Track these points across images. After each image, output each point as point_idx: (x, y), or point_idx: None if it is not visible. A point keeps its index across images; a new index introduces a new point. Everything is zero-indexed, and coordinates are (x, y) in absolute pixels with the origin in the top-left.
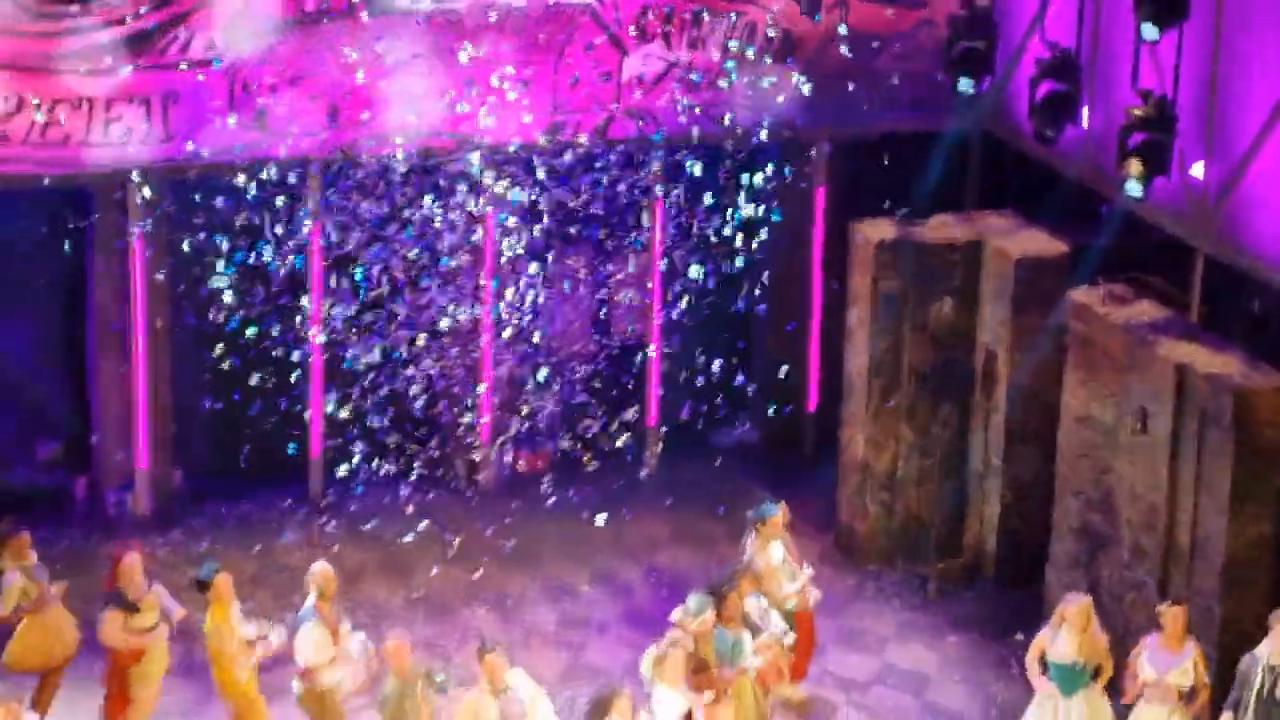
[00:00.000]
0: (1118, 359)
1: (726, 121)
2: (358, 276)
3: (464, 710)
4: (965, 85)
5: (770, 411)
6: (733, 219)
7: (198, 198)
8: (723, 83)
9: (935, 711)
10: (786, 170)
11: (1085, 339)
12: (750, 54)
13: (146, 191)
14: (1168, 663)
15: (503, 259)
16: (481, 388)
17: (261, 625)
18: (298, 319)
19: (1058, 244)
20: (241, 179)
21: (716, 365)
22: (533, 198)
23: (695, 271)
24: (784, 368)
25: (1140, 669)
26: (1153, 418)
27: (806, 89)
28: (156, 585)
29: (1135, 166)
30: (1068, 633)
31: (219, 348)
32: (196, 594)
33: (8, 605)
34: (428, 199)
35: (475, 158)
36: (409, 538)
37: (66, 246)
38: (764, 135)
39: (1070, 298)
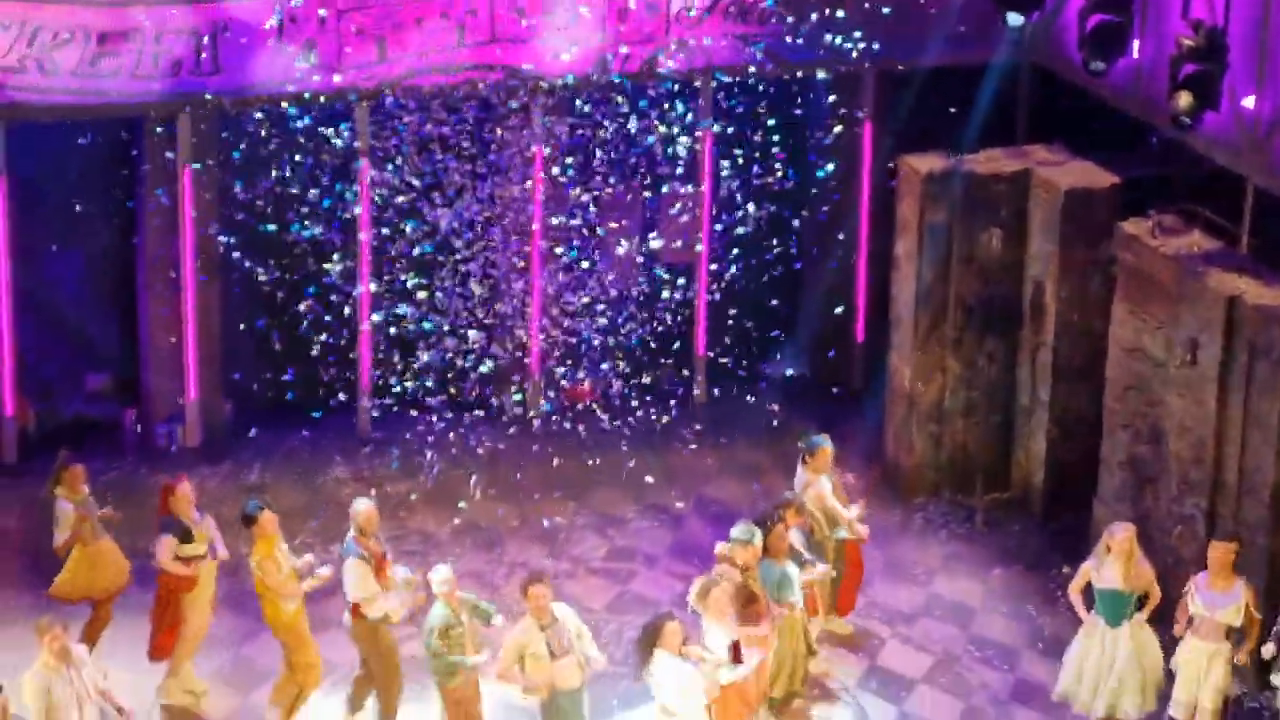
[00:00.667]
0: (1167, 290)
1: (775, 55)
2: (407, 210)
3: (511, 642)
4: (1014, 18)
5: (818, 344)
6: (781, 152)
7: (248, 131)
8: (771, 16)
9: (981, 643)
10: (835, 104)
11: (1134, 271)
12: None
13: (196, 124)
14: (1217, 600)
15: (552, 192)
16: (530, 320)
17: (308, 559)
18: (347, 253)
19: (1107, 176)
20: (291, 112)
21: (765, 297)
22: (581, 131)
23: (743, 205)
24: (832, 300)
25: (1190, 603)
26: (1202, 350)
27: (855, 22)
28: (207, 517)
29: (1185, 98)
30: (1114, 561)
31: (268, 280)
32: (244, 529)
33: (61, 535)
34: (477, 132)
35: (524, 91)
36: (457, 469)
37: (116, 180)
38: (812, 69)
39: (1120, 229)
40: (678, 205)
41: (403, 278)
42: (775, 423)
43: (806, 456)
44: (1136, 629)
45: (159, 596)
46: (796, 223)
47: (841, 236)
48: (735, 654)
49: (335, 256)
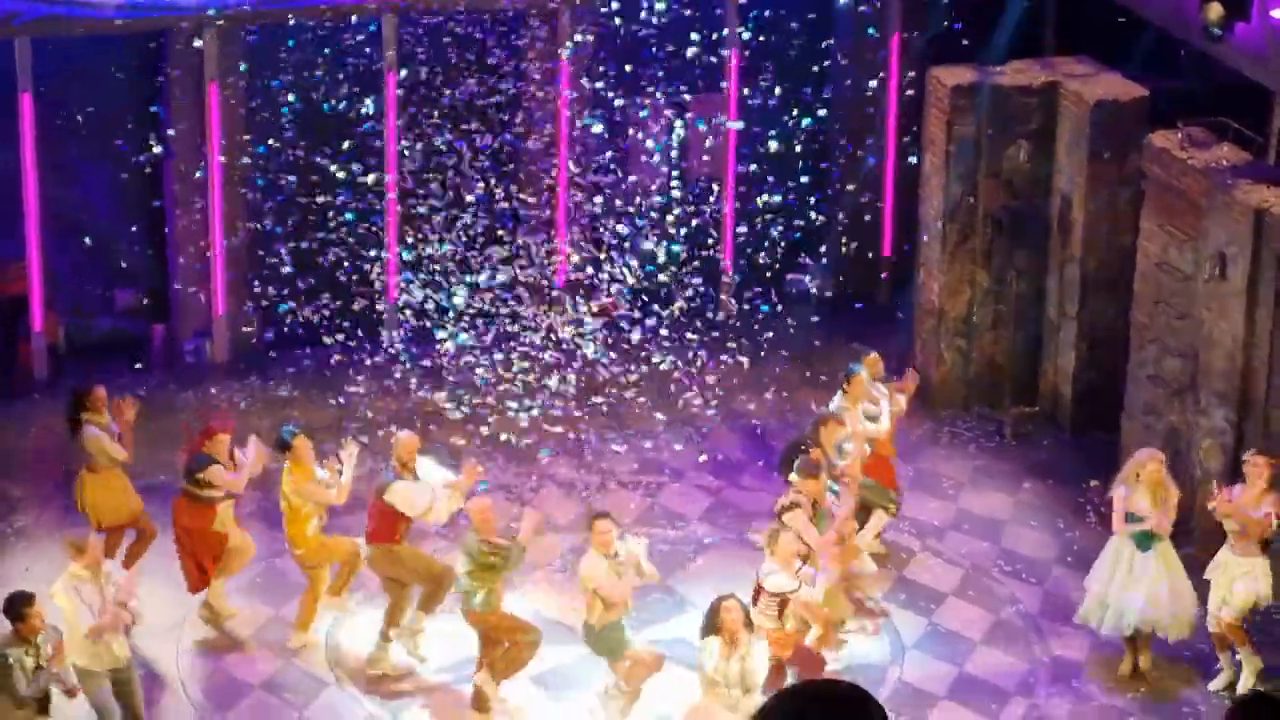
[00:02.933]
0: (1196, 204)
1: None
2: (434, 125)
3: (581, 578)
4: None
5: (845, 259)
6: (810, 64)
7: (275, 45)
8: None
9: (1010, 557)
10: (863, 16)
11: (1163, 184)
12: None
13: (224, 38)
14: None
15: (576, 103)
16: (557, 235)
17: (333, 474)
18: (374, 167)
19: (1135, 88)
20: (319, 26)
21: (793, 211)
22: (606, 39)
23: (771, 116)
24: (860, 215)
25: (1226, 522)
26: (1230, 263)
27: None
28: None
29: (1215, 10)
30: (1143, 490)
31: (296, 195)
32: (278, 453)
33: (100, 453)
34: (501, 43)
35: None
36: (485, 383)
37: (144, 95)
38: None
39: (1148, 142)
40: (704, 120)
41: (428, 192)
42: (803, 336)
43: (845, 385)
44: (1164, 550)
45: (191, 531)
46: (824, 137)
47: (869, 151)
48: (781, 608)
49: (362, 172)
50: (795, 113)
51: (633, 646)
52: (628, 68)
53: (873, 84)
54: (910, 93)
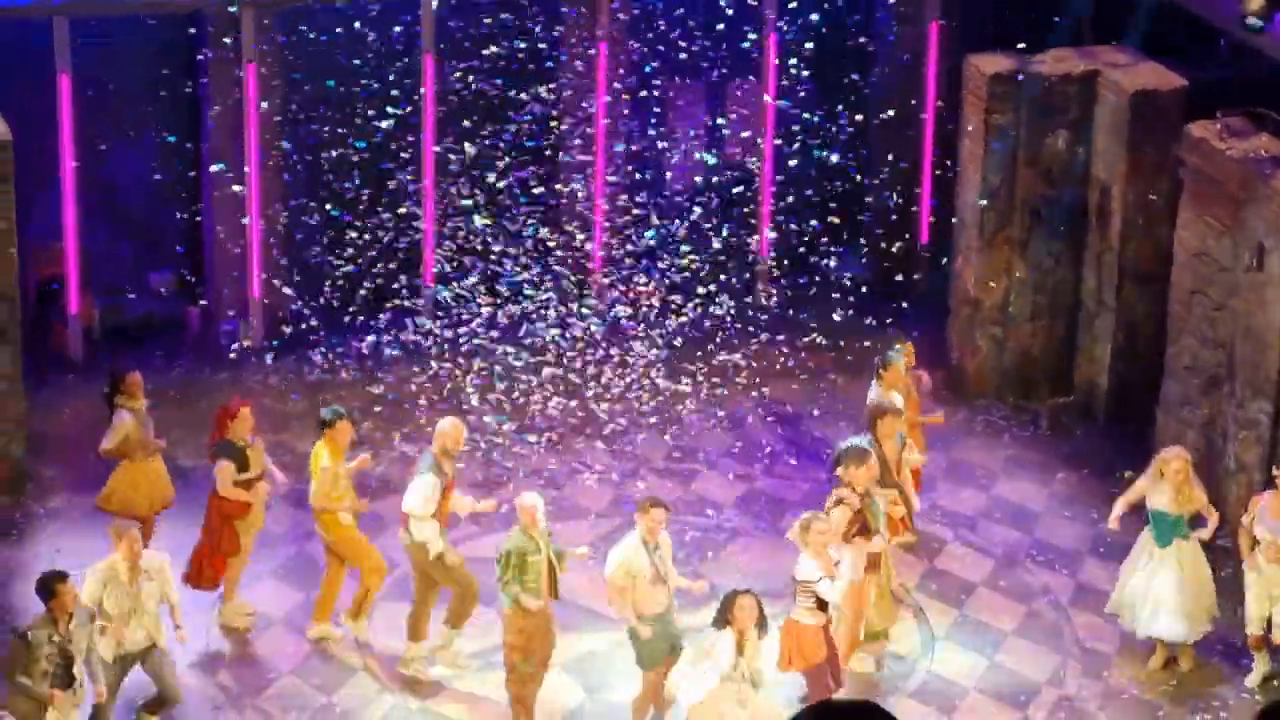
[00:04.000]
0: (1234, 194)
1: None
2: (471, 109)
3: (618, 563)
4: None
5: (882, 246)
6: (846, 51)
7: (311, 29)
8: None
9: (1042, 547)
10: (902, 2)
11: (1201, 173)
12: None
13: (260, 18)
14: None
15: (613, 92)
16: (594, 219)
17: (363, 458)
18: (411, 151)
19: (1174, 77)
20: (354, 11)
21: (830, 198)
22: (643, 28)
23: (808, 104)
24: (896, 202)
25: (1256, 528)
26: (1269, 253)
27: None
28: (258, 441)
29: (1256, 0)
30: (1166, 486)
31: (333, 176)
32: (318, 431)
33: (113, 440)
34: (538, 30)
35: None
36: (518, 368)
37: (180, 76)
38: None
39: (1187, 132)
40: (741, 101)
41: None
42: (838, 323)
43: (880, 371)
44: (1186, 550)
45: (211, 524)
46: (862, 122)
47: (908, 135)
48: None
49: (401, 152)
50: (833, 100)
51: (657, 664)
52: (660, 54)
53: (912, 71)
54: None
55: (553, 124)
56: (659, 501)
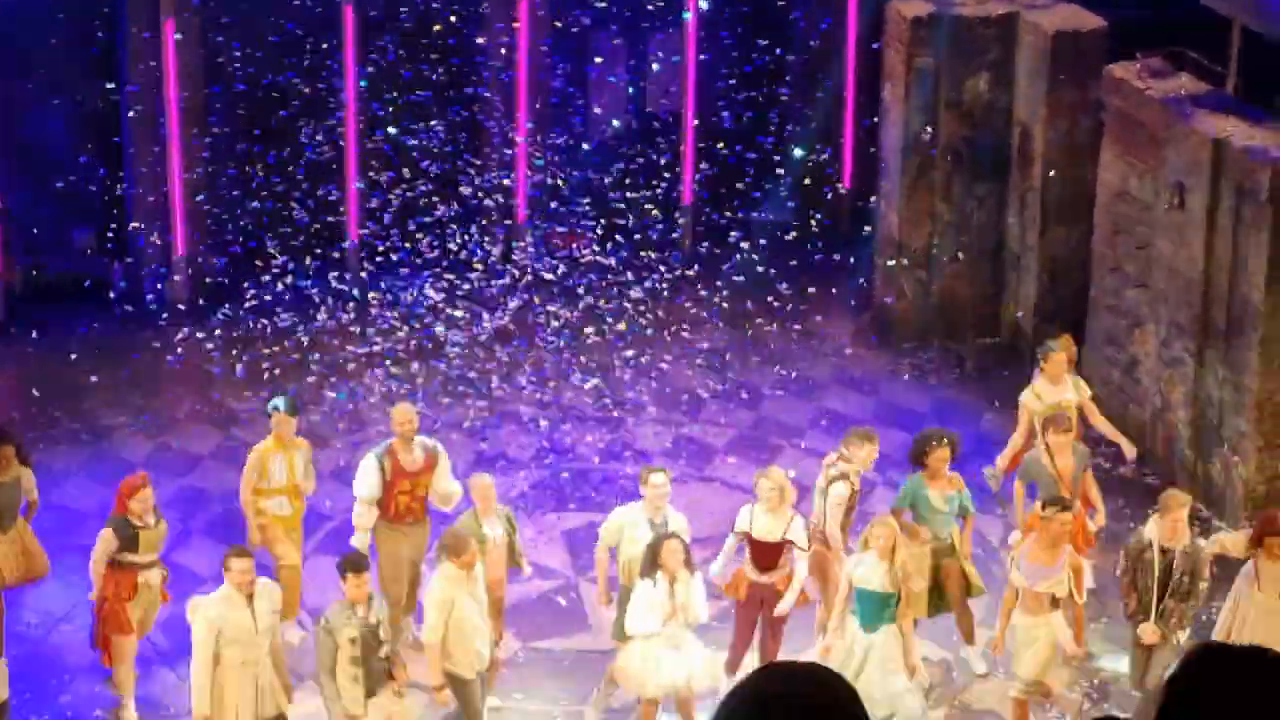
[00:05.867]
0: (1155, 134)
1: None
2: (393, 56)
3: (611, 525)
4: None
5: (805, 191)
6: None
7: None
8: None
9: (973, 488)
10: None
11: (1122, 114)
12: None
13: None
14: (1039, 573)
15: (536, 39)
16: (516, 167)
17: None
18: (333, 100)
19: (1094, 18)
20: None
21: (752, 143)
22: None
23: (731, 50)
24: (819, 147)
25: (1012, 573)
26: (1189, 193)
27: None
28: (162, 522)
29: None
30: (876, 559)
31: (256, 129)
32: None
33: None
34: None
35: None
36: (441, 319)
37: (99, 33)
38: None
39: (1107, 72)
40: (665, 46)
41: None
42: (763, 269)
43: (1042, 363)
44: (892, 633)
45: (103, 591)
46: (783, 64)
47: (829, 82)
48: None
49: (324, 102)
50: (754, 46)
51: (631, 645)
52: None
53: (832, 16)
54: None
55: (476, 76)
56: (660, 468)
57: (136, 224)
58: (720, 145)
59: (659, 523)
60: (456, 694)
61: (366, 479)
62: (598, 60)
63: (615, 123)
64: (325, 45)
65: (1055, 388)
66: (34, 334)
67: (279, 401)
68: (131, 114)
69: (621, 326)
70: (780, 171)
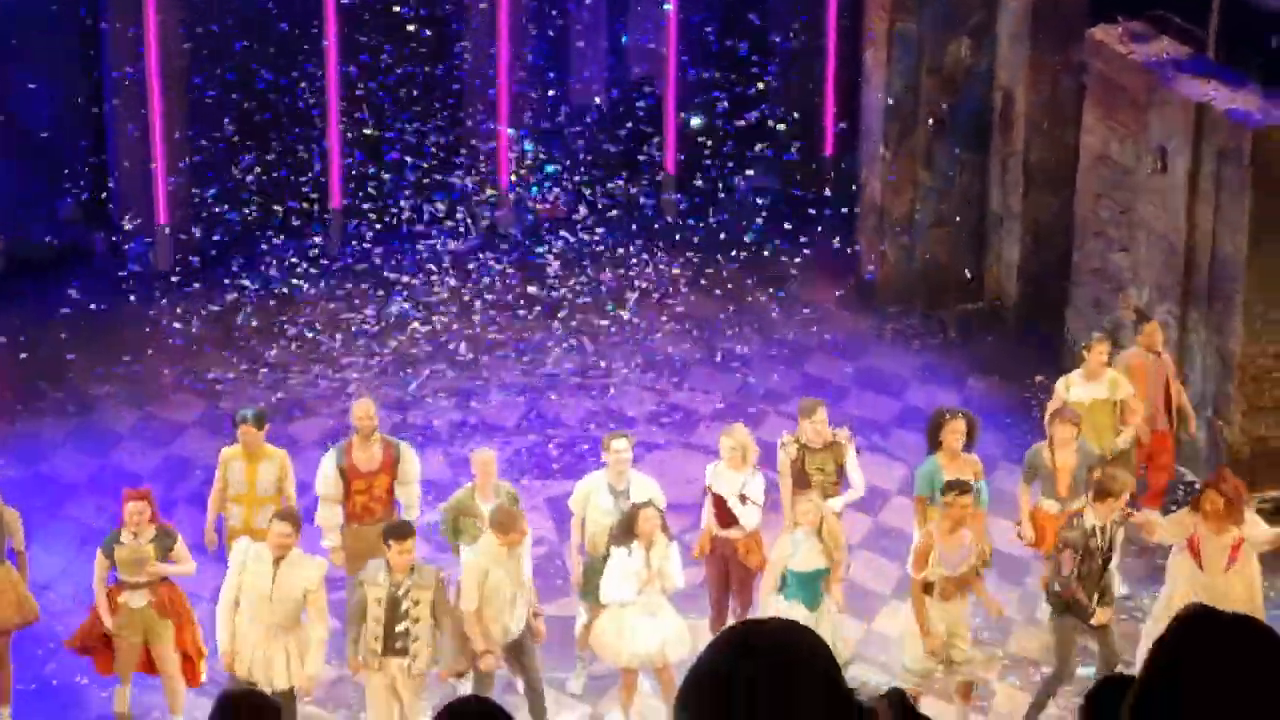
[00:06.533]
0: (1137, 97)
1: None
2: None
3: (577, 496)
4: None
5: (787, 157)
6: None
7: None
8: None
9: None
10: None
11: (1104, 78)
12: None
13: None
14: (951, 558)
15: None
16: (498, 134)
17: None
18: (316, 69)
19: None
20: None
21: (735, 110)
22: None
23: (712, 16)
24: (801, 112)
25: (932, 564)
26: (1171, 156)
27: None
28: (148, 542)
29: None
30: (806, 537)
31: (237, 99)
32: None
33: None
34: None
35: None
36: (428, 287)
37: (81, 3)
38: None
39: (1089, 36)
40: (645, 20)
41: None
42: (746, 235)
43: (1085, 352)
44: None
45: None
46: (763, 29)
47: (811, 45)
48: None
49: (306, 72)
50: (736, 10)
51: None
52: None
53: None
54: None
55: (456, 39)
56: (622, 434)
57: (119, 194)
58: (701, 113)
59: (621, 489)
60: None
61: (324, 478)
62: (578, 27)
63: (596, 91)
64: (309, 12)
65: (1089, 384)
66: (17, 305)
67: (246, 412)
68: (113, 83)
69: (605, 295)
70: (765, 138)
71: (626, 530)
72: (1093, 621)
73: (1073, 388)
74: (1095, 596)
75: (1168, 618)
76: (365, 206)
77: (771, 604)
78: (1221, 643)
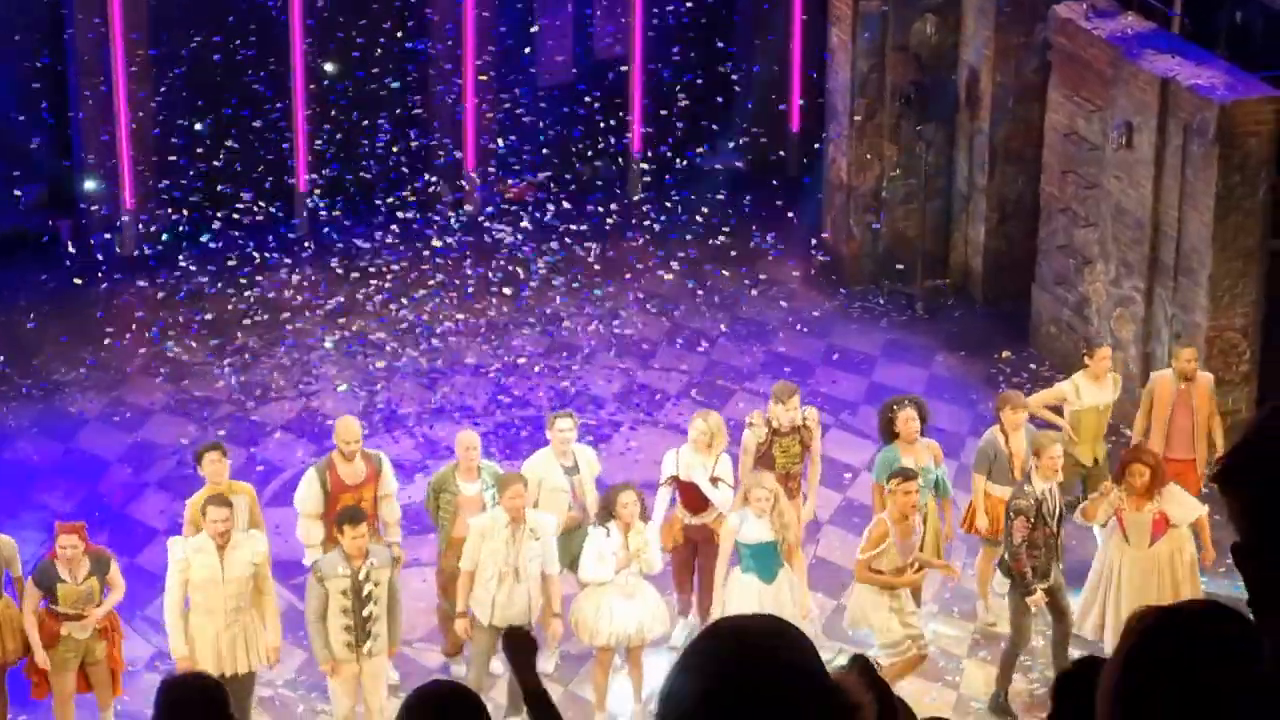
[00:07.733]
0: (1102, 73)
1: None
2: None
3: (528, 468)
4: None
5: (754, 135)
6: None
7: None
8: None
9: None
10: None
11: (1069, 54)
12: None
13: None
14: (908, 547)
15: None
16: (465, 116)
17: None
18: (280, 55)
19: None
20: None
21: (700, 89)
22: None
23: None
24: (767, 91)
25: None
26: (1137, 132)
27: None
28: (86, 580)
29: None
30: (754, 516)
31: (204, 84)
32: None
33: None
34: None
35: None
36: (395, 269)
37: None
38: None
39: (1054, 12)
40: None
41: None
42: (712, 215)
43: (1087, 357)
44: (787, 576)
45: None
46: (731, 12)
47: (776, 23)
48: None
49: (272, 54)
50: None
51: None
52: None
53: None
54: None
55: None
56: (566, 414)
57: (83, 179)
58: (668, 90)
59: (569, 465)
60: (473, 636)
61: (308, 494)
62: (542, 3)
63: (562, 69)
64: None
65: (1096, 386)
66: None
67: (207, 445)
68: (77, 67)
69: (572, 274)
70: (730, 115)
71: (605, 511)
72: (1041, 586)
73: (1083, 392)
74: (1056, 564)
75: (1099, 587)
76: (331, 188)
77: (730, 578)
78: (1193, 633)
